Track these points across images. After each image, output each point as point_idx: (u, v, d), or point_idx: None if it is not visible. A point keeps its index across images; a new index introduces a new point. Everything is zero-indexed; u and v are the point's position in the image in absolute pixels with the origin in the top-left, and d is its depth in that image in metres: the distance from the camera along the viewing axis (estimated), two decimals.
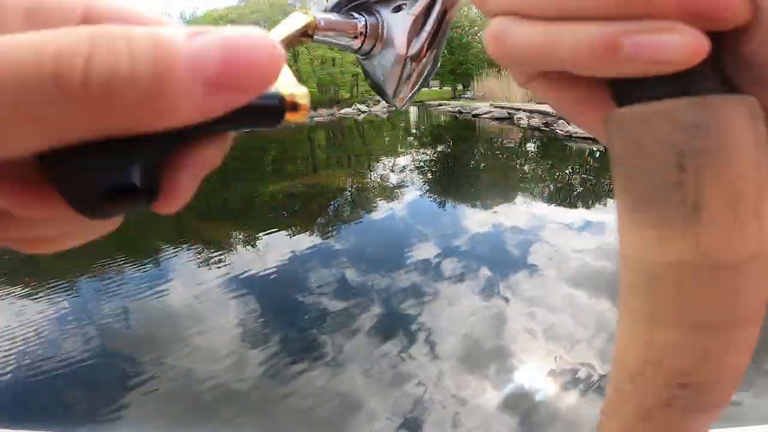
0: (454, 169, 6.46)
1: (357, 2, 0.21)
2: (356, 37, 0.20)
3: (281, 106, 0.10)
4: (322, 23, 0.19)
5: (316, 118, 16.88)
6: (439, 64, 0.22)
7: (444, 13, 0.20)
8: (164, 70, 0.07)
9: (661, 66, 0.09)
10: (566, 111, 0.14)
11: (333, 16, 0.20)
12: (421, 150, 8.31)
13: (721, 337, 0.11)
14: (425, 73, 0.21)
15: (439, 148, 8.33)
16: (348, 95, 21.21)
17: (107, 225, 0.12)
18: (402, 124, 13.62)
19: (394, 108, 0.24)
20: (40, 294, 3.27)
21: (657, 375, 0.13)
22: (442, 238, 3.41)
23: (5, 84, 0.07)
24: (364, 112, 17.68)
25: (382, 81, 0.21)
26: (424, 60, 0.20)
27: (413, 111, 17.51)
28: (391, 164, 6.91)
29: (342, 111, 17.95)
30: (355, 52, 0.21)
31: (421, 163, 6.81)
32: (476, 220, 3.81)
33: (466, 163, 6.78)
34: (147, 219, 5.55)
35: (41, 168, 0.09)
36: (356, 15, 0.20)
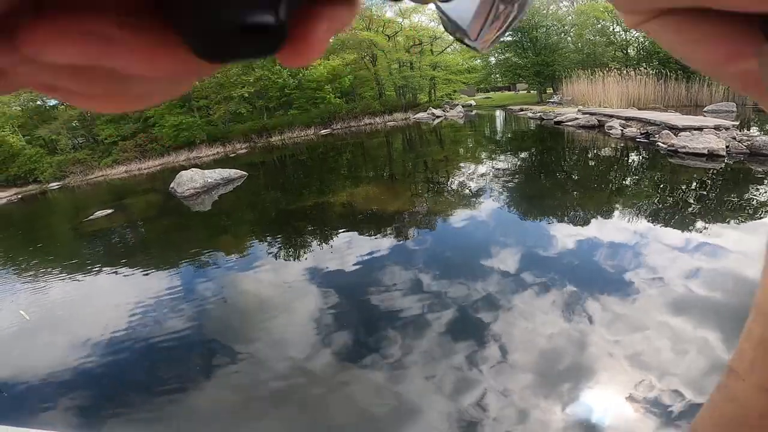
0: (535, 187, 5.98)
1: None
2: None
3: None
4: None
5: (390, 123, 17.04)
6: (526, 12, 0.20)
7: None
8: None
9: None
10: (686, 51, 0.12)
11: None
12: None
13: None
14: (511, 18, 0.19)
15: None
16: (426, 99, 21.14)
17: (186, 83, 0.10)
18: (471, 132, 13.09)
19: (474, 51, 0.22)
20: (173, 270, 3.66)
21: None
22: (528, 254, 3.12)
23: None
24: (438, 117, 17.41)
25: (465, 23, 0.20)
26: (513, 2, 0.19)
27: (499, 116, 16.72)
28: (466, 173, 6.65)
29: (417, 116, 17.90)
30: None
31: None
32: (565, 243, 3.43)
33: (548, 181, 6.23)
34: (235, 213, 6.00)
35: (164, 14, 0.07)
36: None
